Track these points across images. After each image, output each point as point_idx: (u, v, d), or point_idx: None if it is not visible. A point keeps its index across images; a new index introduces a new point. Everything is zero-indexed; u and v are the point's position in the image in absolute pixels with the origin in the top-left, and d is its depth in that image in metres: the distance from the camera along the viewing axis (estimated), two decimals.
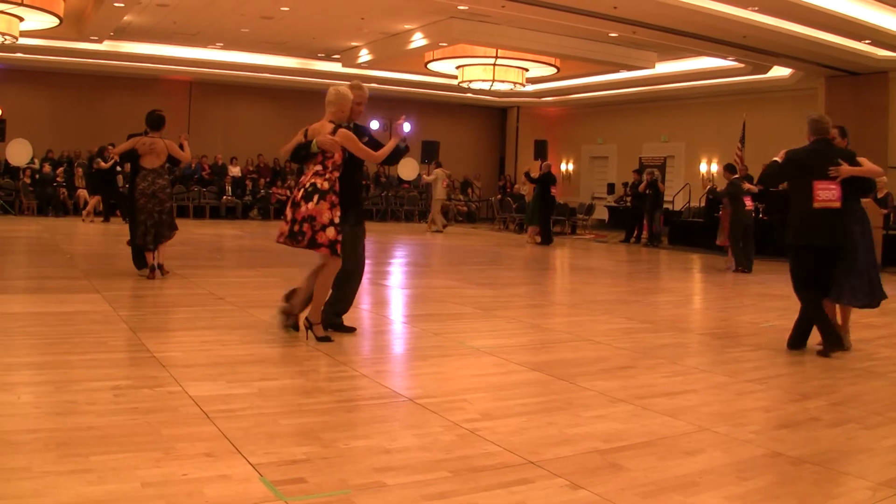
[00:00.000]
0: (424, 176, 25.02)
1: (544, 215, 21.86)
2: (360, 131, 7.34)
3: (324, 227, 6.75)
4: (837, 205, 7.35)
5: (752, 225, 15.93)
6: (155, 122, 10.77)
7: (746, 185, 15.81)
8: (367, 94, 7.60)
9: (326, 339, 6.95)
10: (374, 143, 7.40)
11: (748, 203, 15.71)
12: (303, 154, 7.00)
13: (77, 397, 4.89)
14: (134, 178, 10.80)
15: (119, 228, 19.25)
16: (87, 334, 6.94)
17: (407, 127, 8.00)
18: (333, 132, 6.94)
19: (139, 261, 11.06)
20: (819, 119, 7.70)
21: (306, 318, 7.08)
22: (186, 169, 25.43)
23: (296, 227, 6.79)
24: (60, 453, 3.92)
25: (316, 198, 6.76)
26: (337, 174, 6.93)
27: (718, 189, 17.76)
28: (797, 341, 7.65)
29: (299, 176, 8.91)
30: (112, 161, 21.74)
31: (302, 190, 6.83)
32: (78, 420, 4.46)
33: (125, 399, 4.91)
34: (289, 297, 7.27)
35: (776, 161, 7.69)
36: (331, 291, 7.21)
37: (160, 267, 10.70)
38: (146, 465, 3.80)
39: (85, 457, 3.87)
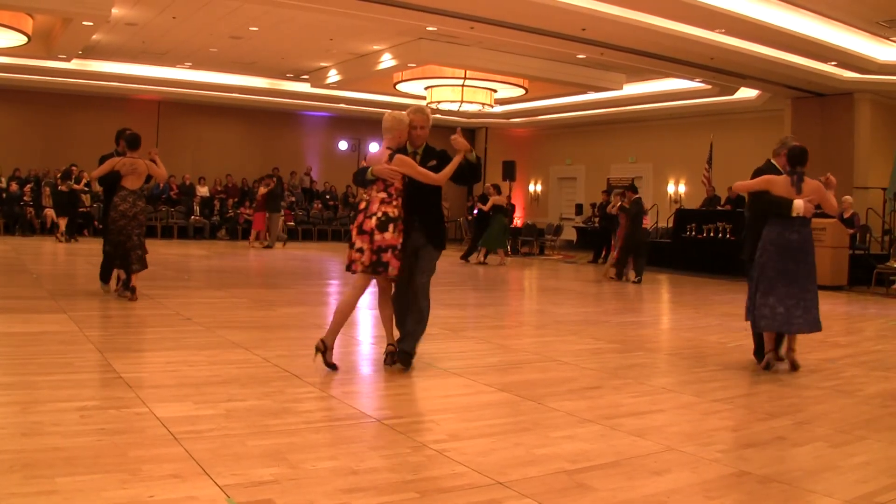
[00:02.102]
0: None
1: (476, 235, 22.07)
2: (431, 154, 7.14)
3: (396, 252, 6.82)
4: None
5: (646, 242, 17.63)
6: (133, 141, 10.54)
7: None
8: (430, 118, 7.26)
9: (333, 367, 6.86)
10: (447, 164, 7.12)
11: (646, 221, 17.53)
12: (360, 179, 7.05)
13: (43, 418, 4.85)
14: (110, 197, 10.55)
15: (86, 248, 19.12)
16: (54, 355, 6.88)
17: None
18: (390, 159, 6.88)
19: (106, 275, 11.04)
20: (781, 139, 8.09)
21: (321, 341, 6.88)
22: (154, 188, 25.31)
23: (374, 258, 6.79)
24: (26, 475, 3.88)
25: (391, 227, 6.78)
26: (401, 200, 6.93)
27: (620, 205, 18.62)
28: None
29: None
30: (84, 182, 21.79)
31: (374, 218, 6.81)
32: (44, 441, 4.43)
33: (91, 420, 4.87)
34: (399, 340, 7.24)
35: None
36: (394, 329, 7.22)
37: (132, 289, 10.39)
38: (113, 487, 3.77)
39: (50, 478, 3.84)
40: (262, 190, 23.71)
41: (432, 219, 7.16)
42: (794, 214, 7.39)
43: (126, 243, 10.27)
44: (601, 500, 3.96)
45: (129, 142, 10.54)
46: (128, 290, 10.41)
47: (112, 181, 10.50)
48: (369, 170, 6.90)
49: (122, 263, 10.40)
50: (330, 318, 7.12)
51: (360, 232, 6.82)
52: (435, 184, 6.98)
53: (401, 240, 6.86)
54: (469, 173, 7.16)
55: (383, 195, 6.86)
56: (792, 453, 4.92)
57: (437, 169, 7.01)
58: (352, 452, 4.56)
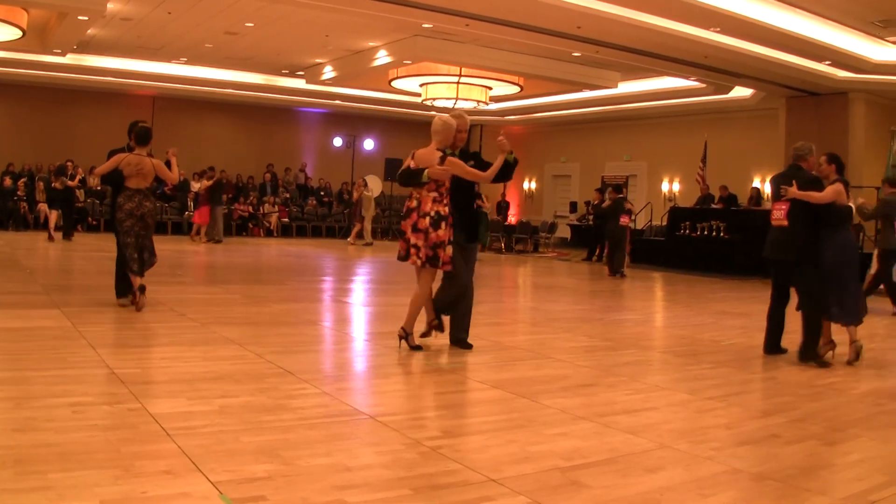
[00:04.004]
0: (366, 193, 25.05)
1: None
2: (467, 156, 7.79)
3: (445, 247, 7.49)
4: (785, 223, 8.03)
5: (623, 238, 18.12)
6: (141, 136, 9.54)
7: (627, 204, 18.24)
8: (469, 123, 8.04)
9: (418, 349, 7.67)
10: (482, 164, 7.80)
11: (624, 219, 17.98)
12: (414, 182, 7.49)
13: (36, 414, 4.84)
14: (115, 196, 9.65)
15: (80, 243, 19.10)
16: (47, 350, 6.86)
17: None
18: (441, 160, 7.36)
19: (121, 287, 9.81)
20: (795, 147, 8.34)
21: (402, 328, 7.69)
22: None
23: (430, 253, 7.43)
24: (19, 470, 3.87)
25: (443, 224, 7.41)
26: (449, 198, 7.53)
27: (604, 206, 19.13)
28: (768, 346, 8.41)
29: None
30: (79, 178, 21.41)
31: (427, 217, 7.40)
32: (37, 437, 4.42)
33: (85, 416, 4.86)
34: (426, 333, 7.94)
35: None
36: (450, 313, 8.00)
37: (141, 287, 9.31)
38: (105, 483, 3.76)
39: (44, 474, 3.83)
40: (206, 183, 23.47)
41: (470, 216, 7.92)
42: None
43: (135, 244, 9.39)
44: (595, 498, 3.96)
45: (138, 136, 9.57)
46: (138, 292, 9.35)
47: (118, 180, 9.59)
48: (425, 172, 7.37)
49: (131, 266, 9.40)
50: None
51: (415, 230, 7.44)
52: (483, 182, 7.86)
53: (451, 235, 7.51)
54: (507, 172, 7.72)
55: (434, 195, 7.43)
56: (786, 451, 4.92)
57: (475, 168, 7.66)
58: (346, 449, 4.55)
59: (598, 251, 23.17)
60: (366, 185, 25.44)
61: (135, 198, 9.43)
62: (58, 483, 3.73)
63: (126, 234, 9.40)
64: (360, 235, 25.37)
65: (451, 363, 7.26)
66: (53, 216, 21.57)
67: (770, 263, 8.44)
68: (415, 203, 7.47)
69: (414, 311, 7.68)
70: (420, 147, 7.59)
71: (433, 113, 27.22)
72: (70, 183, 21.17)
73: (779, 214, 8.08)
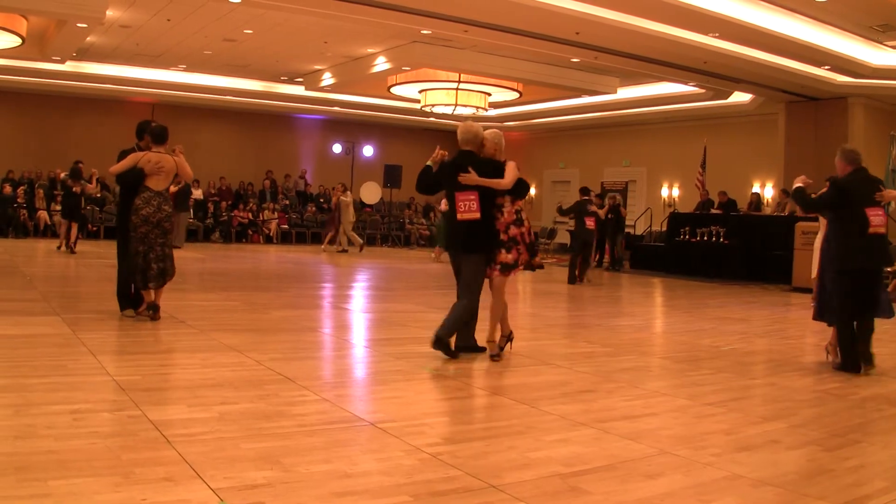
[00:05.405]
0: (343, 198, 24.83)
1: None
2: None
3: None
4: (884, 230, 7.81)
5: (591, 242, 17.77)
6: (159, 134, 9.06)
7: (592, 207, 17.47)
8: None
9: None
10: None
11: (589, 222, 17.24)
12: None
13: (36, 421, 4.84)
14: (127, 199, 9.07)
15: (80, 249, 19.05)
16: (47, 357, 6.86)
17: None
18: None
19: (125, 300, 9.36)
20: (854, 150, 8.25)
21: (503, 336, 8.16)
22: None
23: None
24: (19, 478, 3.87)
25: None
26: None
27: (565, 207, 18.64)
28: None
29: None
30: (95, 179, 20.28)
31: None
32: (37, 444, 4.41)
33: (84, 423, 4.86)
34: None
35: (823, 191, 8.15)
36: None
37: (156, 308, 9.04)
38: (105, 490, 3.76)
39: (44, 481, 3.83)
40: (172, 189, 23.17)
41: None
42: None
43: (148, 254, 8.85)
44: None
45: (156, 135, 9.06)
46: (150, 310, 9.04)
47: (133, 181, 8.96)
48: None
49: (142, 278, 8.94)
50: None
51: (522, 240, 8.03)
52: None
53: None
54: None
55: None
56: (785, 457, 4.92)
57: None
58: (345, 456, 4.55)
59: (596, 256, 23.16)
60: (344, 189, 25.32)
61: (153, 201, 8.88)
62: (58, 490, 3.73)
63: (139, 242, 8.86)
64: (352, 243, 25.26)
65: (451, 370, 7.25)
66: (74, 228, 19.45)
67: (870, 273, 7.89)
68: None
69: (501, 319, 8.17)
70: (419, 155, 7.71)
71: (432, 119, 27.07)
72: (90, 186, 19.71)
73: (880, 221, 7.77)
